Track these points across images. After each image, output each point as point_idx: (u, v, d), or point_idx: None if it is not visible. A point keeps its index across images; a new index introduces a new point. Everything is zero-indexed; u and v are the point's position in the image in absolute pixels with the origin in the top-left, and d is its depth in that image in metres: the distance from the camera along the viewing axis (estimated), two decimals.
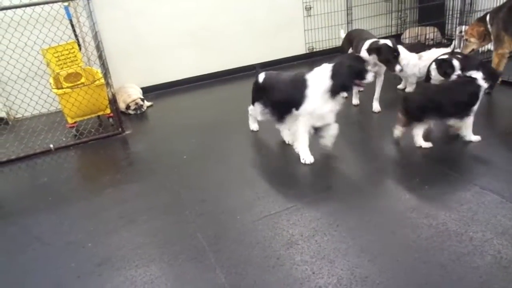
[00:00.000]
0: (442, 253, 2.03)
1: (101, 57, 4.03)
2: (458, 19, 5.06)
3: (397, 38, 3.76)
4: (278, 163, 3.21)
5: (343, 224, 2.35)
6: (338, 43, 6.22)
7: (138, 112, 4.83)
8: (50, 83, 4.28)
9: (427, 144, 3.06)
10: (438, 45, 5.61)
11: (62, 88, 4.20)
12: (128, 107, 4.80)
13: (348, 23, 6.22)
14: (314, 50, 6.19)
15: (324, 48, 6.17)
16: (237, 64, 5.87)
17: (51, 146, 4.01)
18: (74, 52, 4.34)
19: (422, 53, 4.18)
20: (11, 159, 3.90)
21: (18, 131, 4.63)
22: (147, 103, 4.99)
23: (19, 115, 4.95)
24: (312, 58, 6.13)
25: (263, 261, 2.12)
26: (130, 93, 4.88)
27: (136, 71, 5.32)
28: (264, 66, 5.98)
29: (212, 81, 5.75)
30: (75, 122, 4.24)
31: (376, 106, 3.96)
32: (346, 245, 2.17)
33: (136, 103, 4.81)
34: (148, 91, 5.37)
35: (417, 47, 4.93)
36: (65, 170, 3.67)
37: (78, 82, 4.34)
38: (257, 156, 3.35)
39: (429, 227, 2.23)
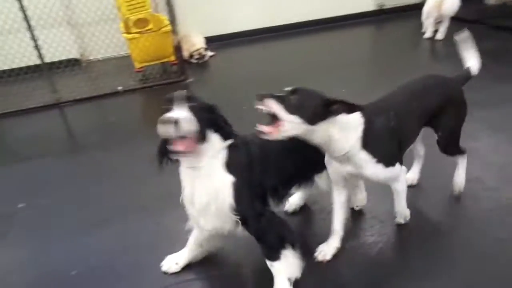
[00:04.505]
0: (501, 228, 1.94)
1: (169, 4, 4.09)
2: None
3: None
4: None
5: None
6: None
7: (200, 61, 4.92)
8: (121, 28, 4.45)
9: None
10: None
11: (131, 33, 4.36)
12: (191, 56, 4.90)
13: None
14: (384, 7, 5.79)
15: (397, 5, 5.72)
16: (300, 19, 5.69)
17: (120, 88, 4.24)
18: None
19: None
20: (84, 98, 4.19)
21: (90, 72, 4.93)
22: (209, 53, 5.05)
23: (92, 57, 5.24)
24: (380, 16, 5.76)
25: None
26: (194, 42, 4.96)
27: (201, 20, 5.35)
28: (326, 22, 5.73)
29: (274, 35, 5.66)
30: (142, 67, 4.42)
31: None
32: None
33: (199, 53, 4.89)
34: (212, 41, 5.41)
35: None
36: (132, 111, 3.89)
37: (146, 28, 4.47)
38: None
39: (491, 200, 2.14)
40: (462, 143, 2.05)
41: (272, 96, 1.49)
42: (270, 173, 1.68)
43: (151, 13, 4.57)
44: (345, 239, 1.92)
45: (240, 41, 5.55)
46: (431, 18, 4.70)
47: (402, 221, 1.99)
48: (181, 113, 1.46)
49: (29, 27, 3.87)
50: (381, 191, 2.19)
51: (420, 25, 4.93)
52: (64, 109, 4.10)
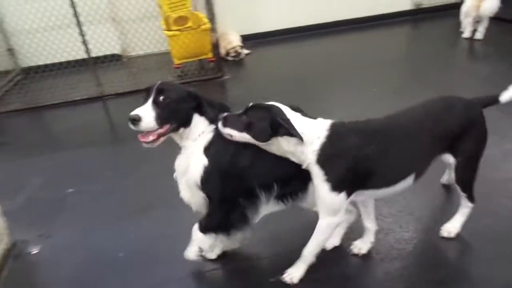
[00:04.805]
0: None
1: (208, 2, 4.21)
2: None
3: None
4: None
5: (435, 187, 2.33)
6: None
7: (236, 59, 5.03)
8: (161, 25, 4.61)
9: None
10: None
11: (172, 30, 4.52)
12: (227, 53, 5.02)
13: None
14: (422, 6, 5.71)
15: (435, 4, 5.63)
16: (336, 18, 5.70)
17: None
18: None
19: None
20: (125, 92, 4.37)
21: (131, 67, 5.13)
22: (245, 51, 5.16)
23: (133, 53, 5.45)
24: (417, 15, 5.68)
25: None
26: (231, 40, 5.08)
27: (238, 19, 5.45)
28: (362, 21, 5.71)
29: (309, 33, 5.69)
30: (180, 63, 4.57)
31: None
32: (434, 204, 2.18)
33: (236, 51, 5.00)
34: (248, 39, 5.50)
35: None
36: None
37: (186, 26, 4.62)
38: (351, 111, 3.36)
39: None
40: (500, 141, 2.04)
41: (227, 116, 1.64)
42: (261, 165, 1.67)
43: (191, 11, 4.71)
44: (381, 235, 1.97)
45: (274, 40, 5.62)
46: (469, 17, 4.61)
47: (294, 277, 1.78)
48: (143, 111, 1.59)
49: (78, 23, 4.08)
50: (417, 186, 2.22)
51: (458, 24, 4.85)
52: (107, 102, 4.31)
